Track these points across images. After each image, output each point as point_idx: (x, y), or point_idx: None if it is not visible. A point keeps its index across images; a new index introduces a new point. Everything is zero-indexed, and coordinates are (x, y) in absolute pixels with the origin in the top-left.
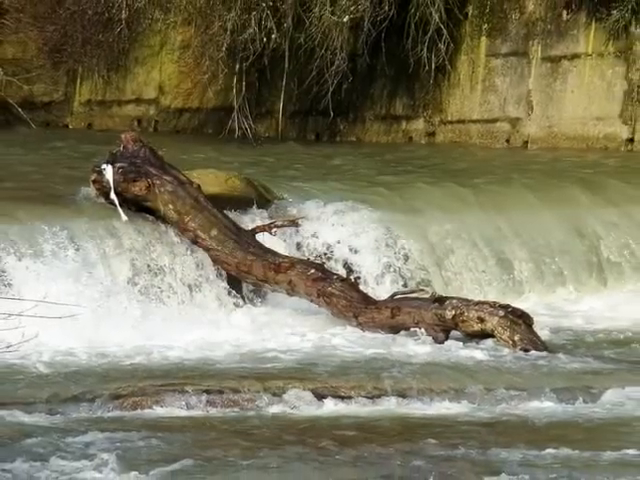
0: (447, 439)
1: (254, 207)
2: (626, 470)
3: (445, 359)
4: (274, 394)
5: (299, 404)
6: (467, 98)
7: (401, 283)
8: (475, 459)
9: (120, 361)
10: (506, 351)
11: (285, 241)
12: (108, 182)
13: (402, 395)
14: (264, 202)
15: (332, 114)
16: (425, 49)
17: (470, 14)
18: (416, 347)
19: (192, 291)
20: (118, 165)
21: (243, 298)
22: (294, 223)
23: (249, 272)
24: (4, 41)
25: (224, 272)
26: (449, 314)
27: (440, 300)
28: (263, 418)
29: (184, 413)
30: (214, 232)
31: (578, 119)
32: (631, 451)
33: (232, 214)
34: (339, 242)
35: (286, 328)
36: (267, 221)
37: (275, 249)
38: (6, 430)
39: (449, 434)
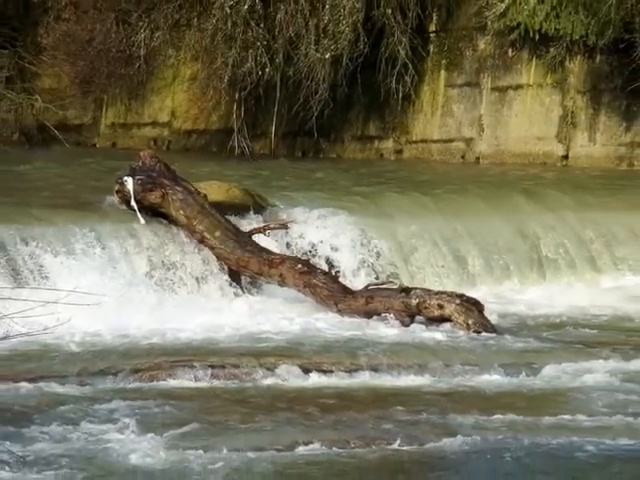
0: (412, 406)
1: (251, 212)
2: (562, 432)
3: (410, 339)
4: (268, 369)
5: (289, 377)
6: (429, 122)
7: (374, 276)
8: (436, 423)
9: (139, 341)
10: (461, 333)
11: (277, 241)
12: (129, 192)
13: (375, 369)
14: (259, 208)
15: (316, 135)
16: (394, 81)
17: (431, 51)
18: (386, 330)
19: (199, 283)
20: (137, 177)
21: (242, 289)
22: (284, 226)
23: (247, 267)
24: (42, 74)
25: (226, 267)
26: (414, 302)
27: (406, 290)
28: (258, 389)
29: (192, 384)
30: (218, 233)
31: (521, 139)
32: (566, 416)
33: (233, 218)
34: (322, 242)
35: (278, 313)
36: (262, 224)
37: (268, 248)
38: (44, 399)
39: (414, 402)
